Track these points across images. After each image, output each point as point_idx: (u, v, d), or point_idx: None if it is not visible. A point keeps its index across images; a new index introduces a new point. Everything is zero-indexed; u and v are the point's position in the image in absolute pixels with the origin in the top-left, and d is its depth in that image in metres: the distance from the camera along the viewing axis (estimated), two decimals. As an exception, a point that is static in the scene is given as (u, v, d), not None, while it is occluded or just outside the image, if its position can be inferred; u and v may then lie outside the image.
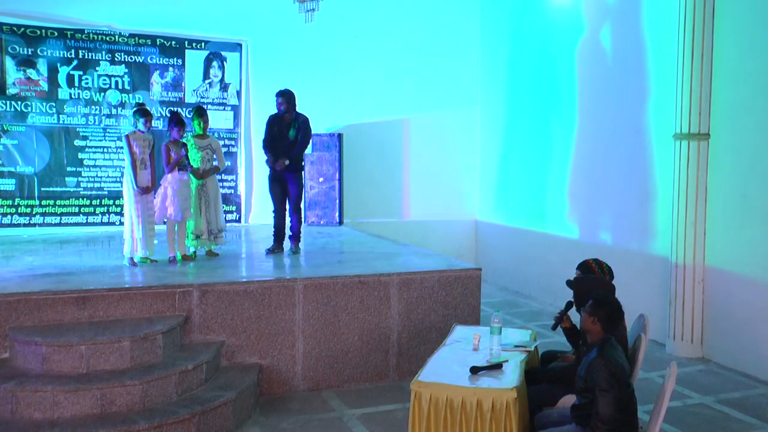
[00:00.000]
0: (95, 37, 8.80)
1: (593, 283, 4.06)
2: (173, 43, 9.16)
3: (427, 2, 10.35)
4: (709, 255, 6.49)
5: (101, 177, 8.93)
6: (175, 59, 9.19)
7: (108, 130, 8.90)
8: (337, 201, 9.67)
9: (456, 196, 10.77)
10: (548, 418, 3.86)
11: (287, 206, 7.05)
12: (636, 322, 4.44)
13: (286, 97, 6.86)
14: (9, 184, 8.54)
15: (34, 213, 8.65)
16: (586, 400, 3.44)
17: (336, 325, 5.64)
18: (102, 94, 8.86)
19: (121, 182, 7.35)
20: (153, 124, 6.36)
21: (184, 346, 5.15)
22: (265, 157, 6.91)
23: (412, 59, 10.27)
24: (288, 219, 7.07)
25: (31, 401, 4.35)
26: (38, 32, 8.56)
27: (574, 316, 4.13)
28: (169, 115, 7.30)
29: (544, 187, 9.12)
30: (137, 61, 9.01)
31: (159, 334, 4.86)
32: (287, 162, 6.78)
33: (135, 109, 6.31)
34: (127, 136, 6.11)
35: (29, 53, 8.53)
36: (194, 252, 6.63)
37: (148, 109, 6.37)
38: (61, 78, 8.69)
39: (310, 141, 7.32)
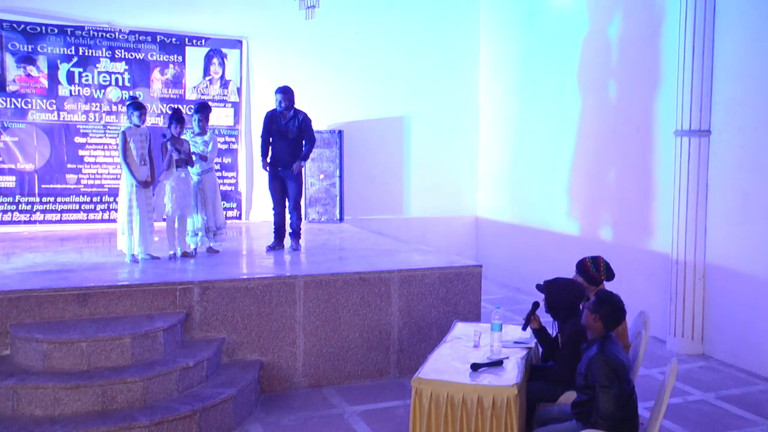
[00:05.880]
0: (95, 33, 8.79)
1: (562, 287, 4.09)
2: (173, 40, 9.15)
3: (427, -2, 10.36)
4: (710, 252, 6.49)
5: (101, 174, 8.92)
6: (175, 56, 9.18)
7: (108, 127, 8.89)
8: (338, 198, 9.67)
9: (456, 192, 10.77)
10: (548, 414, 3.87)
11: (287, 203, 7.05)
12: (637, 319, 4.44)
13: (286, 94, 6.87)
14: (9, 182, 8.53)
15: (34, 210, 8.64)
16: (587, 397, 3.45)
17: (337, 322, 5.64)
18: (102, 91, 8.86)
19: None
20: (154, 122, 6.35)
21: (185, 342, 5.15)
22: (261, 161, 7.01)
23: (412, 56, 10.27)
24: (288, 216, 7.07)
25: (32, 398, 4.36)
26: (38, 29, 8.55)
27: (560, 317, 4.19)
28: (170, 112, 7.31)
29: (545, 183, 9.12)
30: (137, 58, 9.00)
31: (160, 331, 4.87)
32: (302, 164, 7.02)
33: (129, 102, 6.30)
34: (123, 133, 6.11)
35: (29, 50, 8.52)
36: (195, 249, 6.64)
37: (142, 102, 6.37)
38: (62, 75, 8.68)
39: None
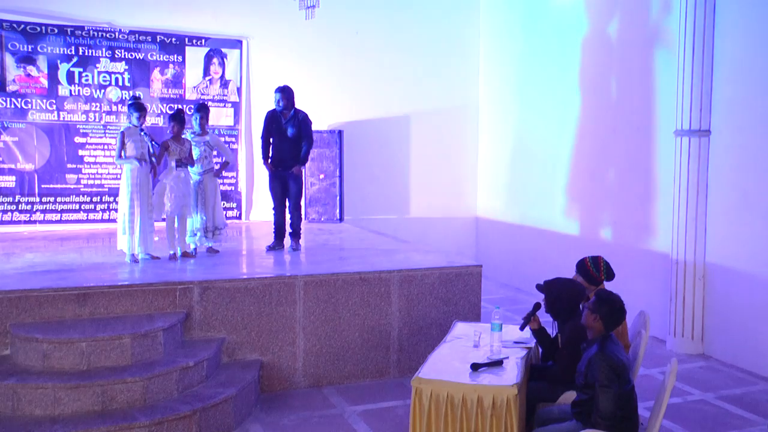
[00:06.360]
0: (95, 33, 8.79)
1: (563, 287, 4.09)
2: (173, 39, 9.15)
3: (427, -2, 10.37)
4: (710, 252, 6.49)
5: (101, 174, 8.92)
6: (175, 56, 9.17)
7: (108, 127, 8.89)
8: (338, 198, 9.67)
9: (456, 192, 10.77)
10: (548, 414, 3.87)
11: (287, 203, 7.05)
12: (637, 319, 4.45)
13: (285, 93, 6.86)
14: (9, 182, 8.53)
15: (34, 210, 8.64)
16: (587, 396, 3.45)
17: (337, 321, 5.64)
18: (102, 91, 8.86)
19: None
20: (154, 121, 6.33)
21: (185, 342, 5.15)
22: (263, 162, 7.03)
23: (412, 56, 10.27)
24: (288, 216, 7.07)
25: (32, 398, 4.36)
26: (38, 29, 8.55)
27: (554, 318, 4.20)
28: (171, 112, 7.31)
29: (545, 183, 9.11)
30: (137, 57, 9.00)
31: (160, 331, 4.87)
32: (302, 168, 7.00)
33: (130, 102, 6.29)
34: (122, 133, 6.10)
35: (29, 50, 8.52)
36: (194, 249, 6.64)
37: (143, 104, 6.36)
38: (62, 75, 8.68)
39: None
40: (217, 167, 6.91)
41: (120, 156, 6.09)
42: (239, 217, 9.60)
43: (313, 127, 7.13)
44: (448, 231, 10.60)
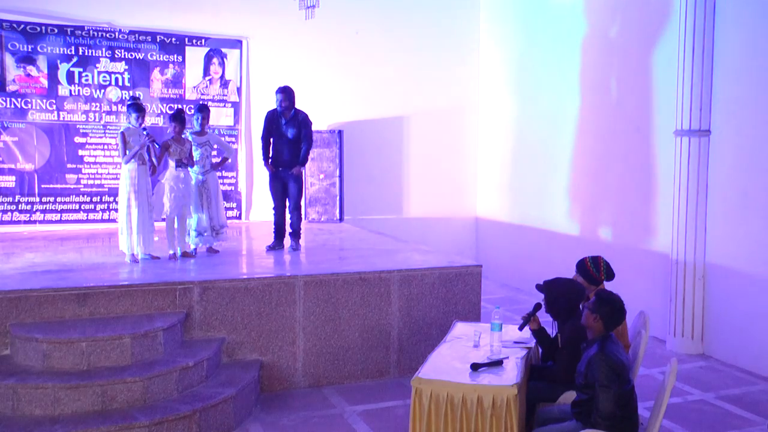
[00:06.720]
0: (95, 33, 8.79)
1: (562, 287, 4.09)
2: (173, 40, 9.15)
3: (427, -2, 10.37)
4: (710, 252, 6.49)
5: (101, 174, 8.92)
6: (175, 56, 9.17)
7: (108, 127, 8.89)
8: (338, 198, 9.67)
9: (456, 192, 10.77)
10: (548, 414, 3.87)
11: (287, 203, 7.05)
12: (637, 319, 4.45)
13: (286, 94, 6.86)
14: (9, 182, 8.53)
15: (34, 210, 8.64)
16: (587, 396, 3.45)
17: (337, 321, 5.64)
18: (102, 91, 8.86)
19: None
20: (154, 121, 6.33)
21: (185, 342, 5.15)
22: (263, 162, 7.02)
23: (412, 56, 10.27)
24: (288, 216, 7.08)
25: (32, 398, 4.36)
26: (38, 29, 8.55)
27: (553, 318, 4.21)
28: (171, 112, 7.31)
29: (545, 183, 9.12)
30: (137, 57, 9.00)
31: (160, 331, 4.87)
32: (302, 168, 6.97)
33: (129, 103, 6.28)
34: (122, 133, 6.10)
35: (29, 50, 8.52)
36: (195, 249, 6.64)
37: (142, 104, 6.35)
38: (62, 75, 8.67)
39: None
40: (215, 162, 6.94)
41: (124, 154, 6.06)
42: (239, 217, 9.59)
43: (313, 127, 7.14)
44: (448, 231, 10.60)
